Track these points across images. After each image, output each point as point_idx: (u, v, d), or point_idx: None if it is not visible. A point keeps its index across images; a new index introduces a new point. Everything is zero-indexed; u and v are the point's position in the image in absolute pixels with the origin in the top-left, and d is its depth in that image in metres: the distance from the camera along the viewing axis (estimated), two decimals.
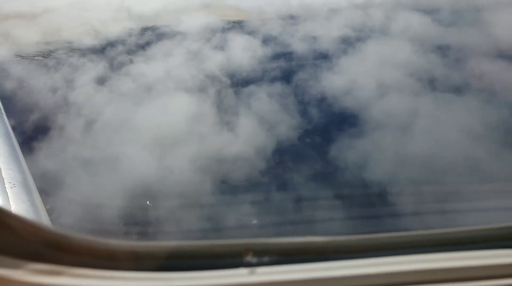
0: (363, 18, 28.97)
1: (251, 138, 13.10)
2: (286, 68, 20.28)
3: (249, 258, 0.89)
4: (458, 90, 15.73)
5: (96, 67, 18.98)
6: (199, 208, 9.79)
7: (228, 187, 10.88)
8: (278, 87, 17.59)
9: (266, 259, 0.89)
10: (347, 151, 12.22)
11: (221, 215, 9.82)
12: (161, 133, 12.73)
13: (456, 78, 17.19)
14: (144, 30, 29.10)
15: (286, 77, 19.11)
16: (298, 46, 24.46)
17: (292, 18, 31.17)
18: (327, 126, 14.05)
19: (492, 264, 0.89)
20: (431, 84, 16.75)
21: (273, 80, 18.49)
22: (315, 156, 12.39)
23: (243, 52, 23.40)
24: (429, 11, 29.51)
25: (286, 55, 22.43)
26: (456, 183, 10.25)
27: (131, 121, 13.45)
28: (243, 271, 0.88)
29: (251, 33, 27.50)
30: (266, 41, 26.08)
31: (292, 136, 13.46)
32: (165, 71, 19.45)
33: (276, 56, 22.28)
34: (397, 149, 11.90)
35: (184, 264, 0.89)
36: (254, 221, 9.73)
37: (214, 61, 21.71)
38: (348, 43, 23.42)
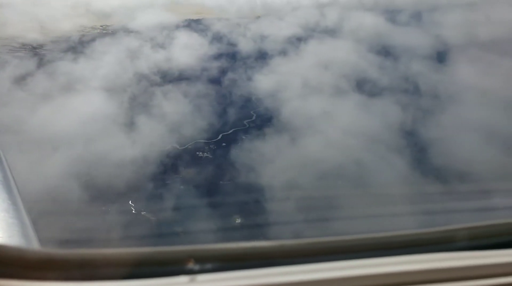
0: (318, 18, 28.66)
1: (147, 140, 12.58)
2: (220, 68, 19.74)
3: (191, 265, 0.85)
4: (380, 92, 15.24)
5: (20, 65, 18.38)
6: (58, 216, 9.26)
7: (100, 194, 10.34)
8: (201, 86, 17.04)
9: (208, 266, 0.86)
10: (239, 155, 11.74)
11: (80, 224, 9.29)
12: (50, 135, 12.17)
13: (385, 79, 16.71)
14: (94, 27, 28.66)
15: (215, 77, 18.59)
16: (243, 46, 24.00)
17: (251, 16, 30.93)
18: (231, 128, 13.54)
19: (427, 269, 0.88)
20: (358, 85, 16.26)
21: (200, 80, 17.94)
22: (206, 161, 11.89)
23: (184, 51, 22.88)
24: (388, 12, 29.27)
25: (227, 55, 21.93)
26: (332, 189, 9.80)
27: (24, 122, 12.89)
28: (183, 279, 0.84)
29: (202, 31, 27.08)
30: (213, 39, 25.64)
31: (193, 138, 12.95)
32: (92, 69, 18.87)
33: (216, 56, 21.75)
34: (289, 153, 11.43)
35: (122, 272, 0.85)
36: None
37: (149, 60, 21.16)
38: (292, 43, 23.02)
